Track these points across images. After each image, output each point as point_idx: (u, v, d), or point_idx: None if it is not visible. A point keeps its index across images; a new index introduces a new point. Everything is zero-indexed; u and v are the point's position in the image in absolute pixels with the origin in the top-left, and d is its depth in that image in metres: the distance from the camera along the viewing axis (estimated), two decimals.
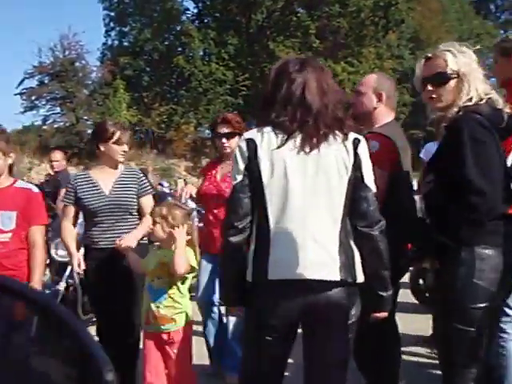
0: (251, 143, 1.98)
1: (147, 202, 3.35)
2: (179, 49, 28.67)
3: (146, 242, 3.43)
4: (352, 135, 2.02)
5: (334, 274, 1.91)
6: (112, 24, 31.10)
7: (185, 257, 2.77)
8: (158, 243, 3.12)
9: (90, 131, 23.11)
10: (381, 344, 2.71)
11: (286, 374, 2.32)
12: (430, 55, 2.39)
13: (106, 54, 30.93)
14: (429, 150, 4.91)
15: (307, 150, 1.94)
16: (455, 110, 2.24)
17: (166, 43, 29.65)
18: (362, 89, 2.87)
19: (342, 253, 1.92)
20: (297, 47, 27.57)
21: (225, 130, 3.55)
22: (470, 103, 2.22)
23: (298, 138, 1.96)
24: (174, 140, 27.22)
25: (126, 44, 31.15)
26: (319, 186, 1.93)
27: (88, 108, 25.98)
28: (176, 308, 2.86)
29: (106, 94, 25.80)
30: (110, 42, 31.33)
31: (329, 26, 28.44)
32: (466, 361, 2.21)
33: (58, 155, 6.55)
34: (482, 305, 2.14)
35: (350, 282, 1.94)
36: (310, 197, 1.93)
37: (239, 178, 1.97)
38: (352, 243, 1.97)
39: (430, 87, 2.34)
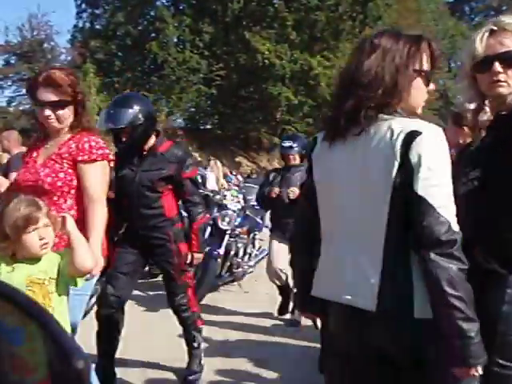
0: (313, 140, 1.77)
1: None
2: (153, 34, 27.98)
3: None
4: (407, 126, 1.51)
5: (368, 302, 1.52)
6: (84, 6, 30.20)
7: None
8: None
9: None
10: None
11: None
12: (495, 28, 1.84)
13: (76, 36, 29.99)
14: None
15: (349, 147, 1.60)
16: None
17: (140, 28, 28.93)
18: None
19: (386, 277, 1.50)
20: (273, 39, 27.20)
21: (50, 96, 2.44)
22: None
23: (339, 133, 1.62)
24: None
25: (97, 27, 30.27)
26: (361, 192, 1.56)
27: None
28: None
29: None
30: (81, 25, 30.41)
31: (306, 18, 28.12)
32: None
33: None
34: None
35: (400, 315, 1.50)
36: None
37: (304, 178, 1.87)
38: (412, 267, 1.50)
39: (499, 68, 1.81)
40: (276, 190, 4.44)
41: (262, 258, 6.31)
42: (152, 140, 3.20)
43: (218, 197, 5.66)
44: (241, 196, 5.94)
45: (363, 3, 27.95)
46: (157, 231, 3.20)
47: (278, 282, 4.67)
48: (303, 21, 28.07)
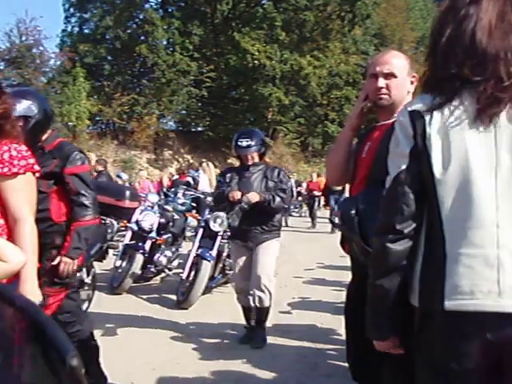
0: (417, 117, 1.42)
1: None
2: (142, 37, 27.92)
3: None
4: None
5: None
6: (72, 10, 30.11)
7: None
8: None
9: None
10: None
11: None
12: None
13: (65, 40, 29.89)
14: None
15: (491, 125, 1.35)
16: None
17: (129, 31, 28.84)
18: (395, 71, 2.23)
19: None
20: (262, 39, 27.26)
21: None
22: None
23: (472, 107, 1.36)
24: (135, 131, 26.55)
25: (86, 31, 30.20)
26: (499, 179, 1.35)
27: (46, 96, 24.96)
28: None
29: (64, 83, 24.89)
30: (69, 29, 30.33)
31: (295, 18, 28.21)
32: None
33: None
34: None
35: None
36: (506, 199, 1.35)
37: (403, 165, 1.44)
38: None
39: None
40: (237, 193, 4.04)
41: None
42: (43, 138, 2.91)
43: (209, 198, 5.64)
44: None
45: (351, 2, 28.05)
46: (45, 237, 2.59)
47: (250, 303, 4.13)
48: (292, 21, 28.16)
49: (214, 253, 5.24)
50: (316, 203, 14.14)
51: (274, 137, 32.18)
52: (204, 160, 30.47)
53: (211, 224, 5.23)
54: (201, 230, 5.31)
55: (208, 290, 5.50)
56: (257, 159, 4.16)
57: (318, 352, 3.95)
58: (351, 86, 29.90)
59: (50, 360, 0.74)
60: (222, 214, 5.34)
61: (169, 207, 6.44)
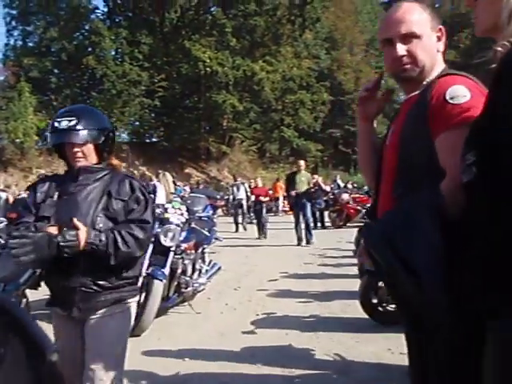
0: None
1: None
2: (89, 48, 27.11)
3: None
4: None
5: None
6: (14, 23, 29.05)
7: None
8: None
9: None
10: None
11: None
12: None
13: (8, 55, 28.79)
14: None
15: None
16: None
17: (75, 43, 28.00)
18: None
19: None
20: (213, 46, 26.86)
21: None
22: None
23: None
24: None
25: (30, 44, 29.17)
26: None
27: None
28: None
29: (9, 98, 23.88)
30: (12, 43, 29.24)
31: (245, 24, 27.95)
32: None
33: None
34: None
35: None
36: None
37: None
38: None
39: None
40: (52, 229, 2.09)
41: (214, 273, 5.84)
42: None
43: (158, 210, 5.11)
44: (184, 208, 5.43)
45: (301, 6, 27.99)
46: None
47: None
48: (242, 27, 27.90)
49: (166, 271, 4.72)
50: (264, 210, 13.50)
51: (230, 144, 31.79)
52: (160, 171, 29.75)
53: (162, 239, 4.73)
54: (151, 246, 4.77)
55: (162, 311, 4.98)
56: (93, 158, 2.26)
57: (290, 380, 3.48)
58: (305, 89, 29.82)
59: (30, 355, 0.75)
60: (173, 226, 4.86)
61: None
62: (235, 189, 15.66)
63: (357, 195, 15.79)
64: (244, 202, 15.10)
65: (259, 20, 27.37)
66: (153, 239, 4.77)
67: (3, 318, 0.69)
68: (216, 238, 6.23)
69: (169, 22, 29.09)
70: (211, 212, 7.10)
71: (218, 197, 8.87)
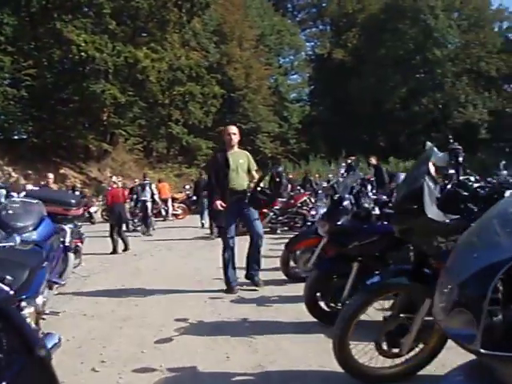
0: None
1: None
2: None
3: None
4: None
5: None
6: None
7: None
8: None
9: None
10: None
11: None
12: None
13: None
14: None
15: None
16: None
17: None
18: None
19: None
20: (89, 29, 23.72)
21: None
22: None
23: None
24: None
25: None
26: None
27: None
28: None
29: None
30: None
31: (126, 7, 25.11)
32: None
33: None
34: None
35: None
36: None
37: None
38: None
39: None
40: None
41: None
42: None
43: None
44: None
45: None
46: None
47: None
48: (124, 9, 25.04)
49: None
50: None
51: (112, 142, 28.70)
52: (30, 172, 25.93)
53: None
54: None
55: None
56: None
57: None
58: (195, 81, 27.52)
59: (17, 350, 0.72)
60: None
61: None
62: (140, 188, 14.87)
63: None
64: (149, 204, 14.31)
65: (142, 2, 24.65)
66: None
67: None
68: (55, 282, 3.75)
69: (36, 1, 25.43)
70: (52, 231, 4.55)
71: (74, 202, 5.99)
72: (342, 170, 6.20)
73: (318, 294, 4.11)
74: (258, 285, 5.81)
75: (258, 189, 5.60)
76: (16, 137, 28.35)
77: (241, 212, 5.71)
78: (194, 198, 16.84)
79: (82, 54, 22.62)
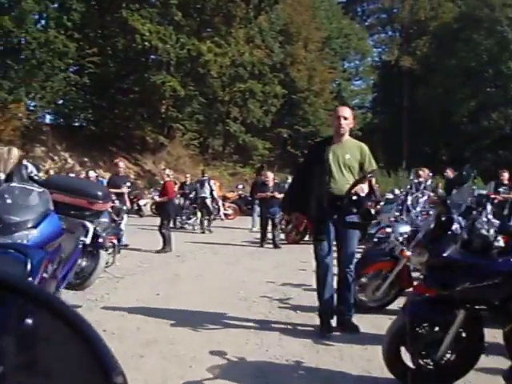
0: None
1: None
2: (6, 6, 22.97)
3: None
4: None
5: None
6: None
7: None
8: None
9: None
10: None
11: None
12: None
13: None
14: None
15: None
16: None
17: None
18: None
19: None
20: (155, 18, 23.33)
21: None
22: None
23: None
24: None
25: None
26: None
27: None
28: None
29: None
30: None
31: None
32: None
33: None
34: None
35: None
36: None
37: None
38: None
39: None
40: None
41: None
42: None
43: None
44: None
45: None
46: None
47: None
48: (190, 1, 24.51)
49: None
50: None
51: (169, 135, 28.33)
52: (86, 159, 25.74)
53: None
54: None
55: None
56: None
57: None
58: (257, 79, 26.73)
59: (94, 375, 0.68)
60: None
61: None
62: (199, 185, 14.41)
63: None
64: (208, 201, 13.93)
65: None
66: None
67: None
68: None
69: None
70: (59, 230, 3.63)
71: (101, 194, 4.89)
72: (423, 184, 5.13)
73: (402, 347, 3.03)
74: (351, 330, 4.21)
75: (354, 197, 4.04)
76: (73, 123, 28.44)
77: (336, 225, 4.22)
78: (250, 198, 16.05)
79: (146, 43, 22.27)
